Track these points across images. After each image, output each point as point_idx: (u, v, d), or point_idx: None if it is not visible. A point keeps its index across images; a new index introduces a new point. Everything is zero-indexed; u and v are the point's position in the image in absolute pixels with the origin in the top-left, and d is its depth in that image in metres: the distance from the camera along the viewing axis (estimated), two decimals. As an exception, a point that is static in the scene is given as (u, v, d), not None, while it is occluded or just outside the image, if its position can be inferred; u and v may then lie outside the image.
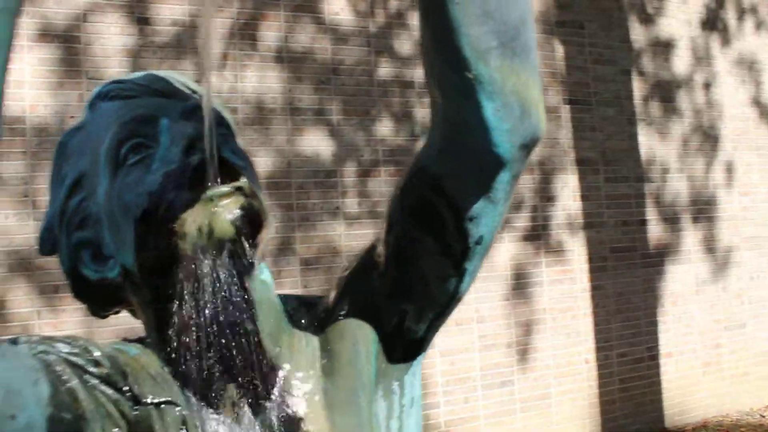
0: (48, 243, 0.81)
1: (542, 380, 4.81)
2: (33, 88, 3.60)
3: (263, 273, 0.80)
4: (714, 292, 5.57)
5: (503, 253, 4.74)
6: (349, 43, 4.38)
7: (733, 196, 5.76)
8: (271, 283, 0.81)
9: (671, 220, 5.44)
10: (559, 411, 4.85)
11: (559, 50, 5.09)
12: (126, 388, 0.70)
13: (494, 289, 4.70)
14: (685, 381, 5.38)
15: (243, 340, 0.74)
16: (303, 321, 0.83)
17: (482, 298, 4.64)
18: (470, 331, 4.60)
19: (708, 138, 5.68)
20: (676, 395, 5.33)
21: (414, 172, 0.76)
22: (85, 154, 0.79)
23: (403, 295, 0.79)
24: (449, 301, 0.80)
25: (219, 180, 0.73)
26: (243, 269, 0.74)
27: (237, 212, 0.73)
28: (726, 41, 5.88)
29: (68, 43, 3.71)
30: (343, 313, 0.81)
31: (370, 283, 0.81)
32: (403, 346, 0.82)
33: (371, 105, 4.40)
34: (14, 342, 0.66)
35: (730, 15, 5.92)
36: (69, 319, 3.55)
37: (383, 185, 4.39)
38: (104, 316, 0.86)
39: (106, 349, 0.73)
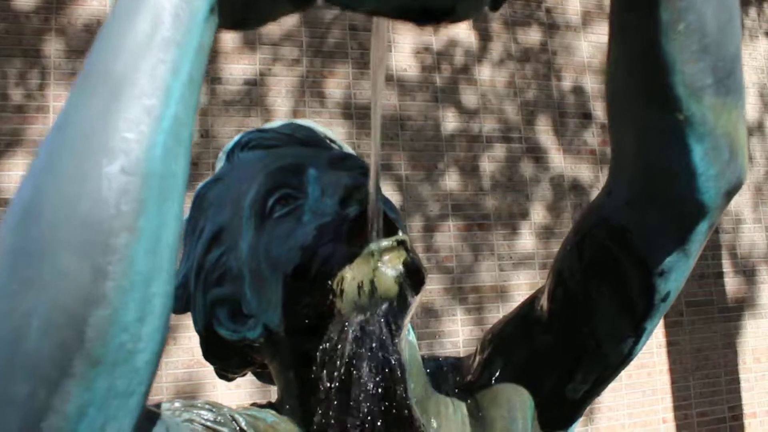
0: (182, 300, 0.76)
1: (619, 441, 4.61)
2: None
3: (409, 333, 0.74)
4: (798, 348, 5.30)
5: (575, 307, 4.61)
6: (416, 98, 4.39)
7: (814, 246, 5.53)
8: (416, 344, 0.75)
9: (749, 272, 5.22)
10: (637, 474, 4.63)
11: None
12: None
13: (566, 345, 4.56)
14: (771, 443, 5.09)
15: (395, 408, 0.67)
16: (447, 385, 0.77)
17: (554, 354, 4.51)
18: (542, 389, 4.46)
19: (783, 186, 5.49)
20: (762, 458, 5.04)
21: (594, 223, 0.70)
22: (225, 207, 0.74)
23: (568, 356, 0.72)
24: (621, 363, 0.73)
25: (381, 234, 0.67)
26: (397, 330, 0.68)
27: (400, 268, 0.66)
28: None
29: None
30: (496, 375, 0.75)
31: (529, 341, 0.74)
32: (560, 411, 0.75)
33: (438, 158, 4.38)
34: (157, 407, 0.62)
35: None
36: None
37: (451, 240, 4.34)
38: (231, 379, 0.81)
39: (244, 415, 0.68)
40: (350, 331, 0.66)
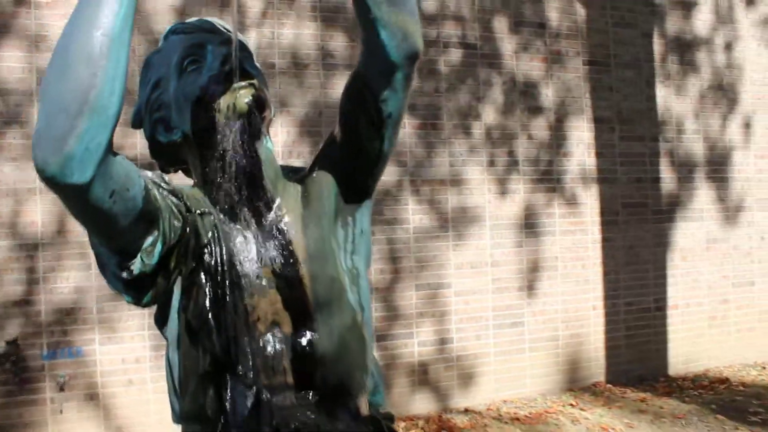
0: (137, 120, 1.29)
1: (551, 323, 5.10)
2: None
3: (268, 142, 1.26)
4: (724, 250, 5.74)
5: (518, 202, 5.02)
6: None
7: (749, 158, 5.90)
8: (272, 149, 1.27)
9: (685, 178, 5.60)
10: (566, 353, 5.14)
11: (581, 13, 5.29)
12: (184, 201, 1.15)
13: (508, 236, 4.99)
14: (691, 332, 5.59)
15: (253, 180, 1.21)
16: (293, 177, 1.30)
17: (497, 244, 4.95)
18: (484, 273, 4.91)
19: (726, 99, 5.80)
20: (681, 345, 5.55)
21: (354, 74, 1.21)
22: (162, 66, 1.26)
23: (350, 155, 1.25)
24: (377, 156, 1.26)
25: (239, 79, 1.19)
26: (254, 135, 1.20)
27: (250, 97, 1.20)
28: (751, 3, 5.97)
29: None
30: (316, 169, 1.29)
31: (333, 145, 1.27)
32: (354, 191, 1.28)
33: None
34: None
35: (758, -20, 5.96)
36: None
37: (408, 137, 4.71)
38: (169, 171, 1.32)
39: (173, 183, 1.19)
40: (227, 132, 1.18)
